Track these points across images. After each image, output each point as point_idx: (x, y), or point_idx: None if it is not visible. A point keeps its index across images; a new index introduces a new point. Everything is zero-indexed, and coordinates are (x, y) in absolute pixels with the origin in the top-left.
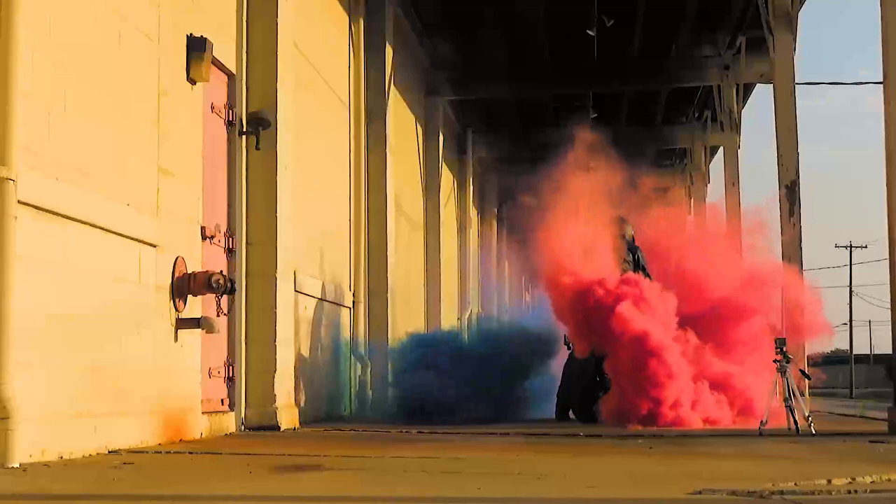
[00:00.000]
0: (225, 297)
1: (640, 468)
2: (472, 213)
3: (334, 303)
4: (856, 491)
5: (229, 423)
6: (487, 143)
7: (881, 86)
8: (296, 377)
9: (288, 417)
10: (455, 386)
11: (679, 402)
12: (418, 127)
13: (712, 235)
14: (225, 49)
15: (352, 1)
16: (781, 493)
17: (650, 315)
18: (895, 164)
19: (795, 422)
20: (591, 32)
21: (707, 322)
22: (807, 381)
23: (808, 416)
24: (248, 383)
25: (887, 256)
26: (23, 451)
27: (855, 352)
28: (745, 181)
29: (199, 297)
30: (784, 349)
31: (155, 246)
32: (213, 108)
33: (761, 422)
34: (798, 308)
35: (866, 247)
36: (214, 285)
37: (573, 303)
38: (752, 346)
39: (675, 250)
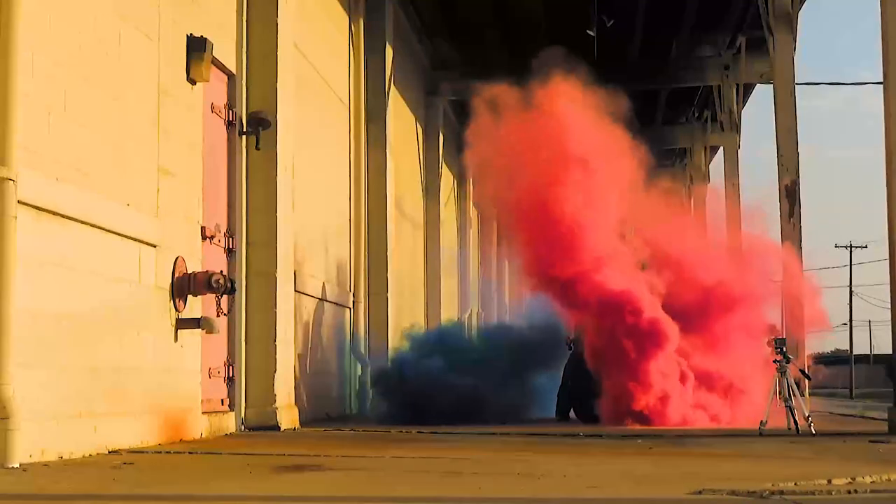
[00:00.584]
0: (225, 297)
1: (640, 468)
2: (472, 213)
3: (334, 303)
4: (856, 491)
5: (229, 423)
6: None
7: (881, 86)
8: (296, 377)
9: (288, 417)
10: (459, 388)
11: (681, 398)
12: (418, 127)
13: (709, 241)
14: (225, 49)
15: (352, 1)
16: (781, 493)
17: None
18: (895, 164)
19: (795, 422)
20: (591, 32)
21: (701, 309)
22: (807, 381)
23: (808, 416)
24: (248, 383)
25: (887, 256)
26: (23, 451)
27: (855, 352)
28: (745, 181)
29: (199, 297)
30: (784, 349)
31: (155, 246)
32: (213, 108)
33: (761, 422)
34: (797, 297)
35: (866, 247)
36: (214, 285)
37: (546, 281)
38: (744, 335)
39: (672, 240)
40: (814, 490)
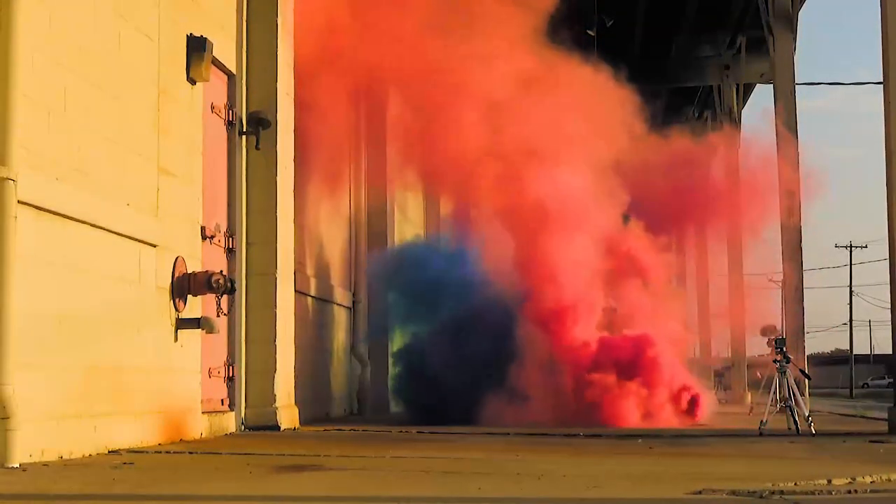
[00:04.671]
0: (225, 297)
1: (640, 468)
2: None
3: (334, 303)
4: (856, 491)
5: (229, 423)
6: None
7: (881, 86)
8: (296, 377)
9: (288, 417)
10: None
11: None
12: None
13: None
14: (225, 49)
15: None
16: (781, 493)
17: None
18: (895, 164)
19: (795, 422)
20: (591, 32)
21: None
22: (807, 381)
23: (808, 416)
24: (248, 383)
25: (887, 256)
26: (23, 451)
27: (855, 352)
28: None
29: (199, 297)
30: (784, 349)
31: (155, 246)
32: (213, 108)
33: (761, 422)
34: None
35: (866, 247)
36: (214, 285)
37: None
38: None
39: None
40: (814, 490)
